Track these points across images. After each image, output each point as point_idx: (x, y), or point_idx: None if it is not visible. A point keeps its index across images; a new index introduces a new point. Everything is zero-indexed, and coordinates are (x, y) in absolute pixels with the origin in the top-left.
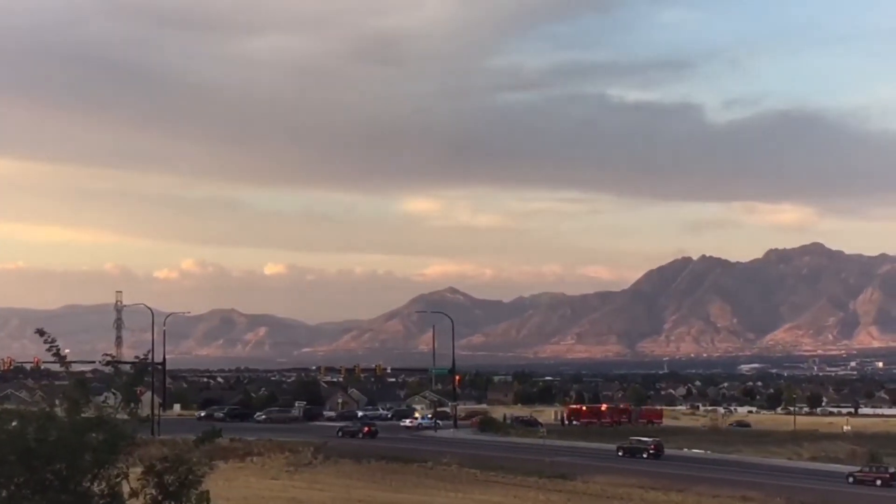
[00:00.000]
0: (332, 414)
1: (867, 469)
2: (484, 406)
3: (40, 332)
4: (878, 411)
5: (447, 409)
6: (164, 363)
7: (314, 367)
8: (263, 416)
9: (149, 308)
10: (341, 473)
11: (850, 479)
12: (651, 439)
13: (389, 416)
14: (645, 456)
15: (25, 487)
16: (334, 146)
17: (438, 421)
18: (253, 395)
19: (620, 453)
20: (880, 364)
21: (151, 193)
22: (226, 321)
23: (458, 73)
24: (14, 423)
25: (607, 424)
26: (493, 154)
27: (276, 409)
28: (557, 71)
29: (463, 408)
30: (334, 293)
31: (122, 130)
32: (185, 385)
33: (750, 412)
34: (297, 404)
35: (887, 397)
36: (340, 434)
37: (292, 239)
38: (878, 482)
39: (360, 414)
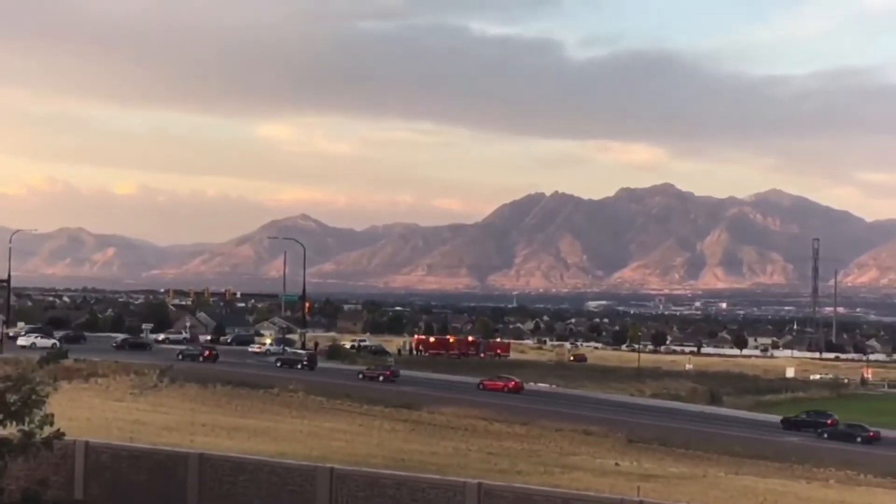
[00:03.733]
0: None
1: (373, 367)
2: (333, 334)
3: None
4: (720, 351)
5: (293, 337)
6: (8, 280)
7: (162, 290)
8: None
9: None
10: (186, 397)
11: (360, 377)
12: (306, 352)
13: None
14: (300, 367)
15: None
16: (189, 67)
17: (287, 347)
18: (100, 315)
19: (279, 364)
20: (724, 305)
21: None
22: (74, 240)
23: None
24: None
25: (455, 356)
26: (350, 82)
27: None
28: (419, 1)
29: (312, 335)
30: (185, 215)
31: None
32: (30, 303)
33: (595, 348)
34: (143, 326)
35: (729, 337)
36: (181, 357)
37: (144, 159)
38: (381, 378)
39: (158, 337)
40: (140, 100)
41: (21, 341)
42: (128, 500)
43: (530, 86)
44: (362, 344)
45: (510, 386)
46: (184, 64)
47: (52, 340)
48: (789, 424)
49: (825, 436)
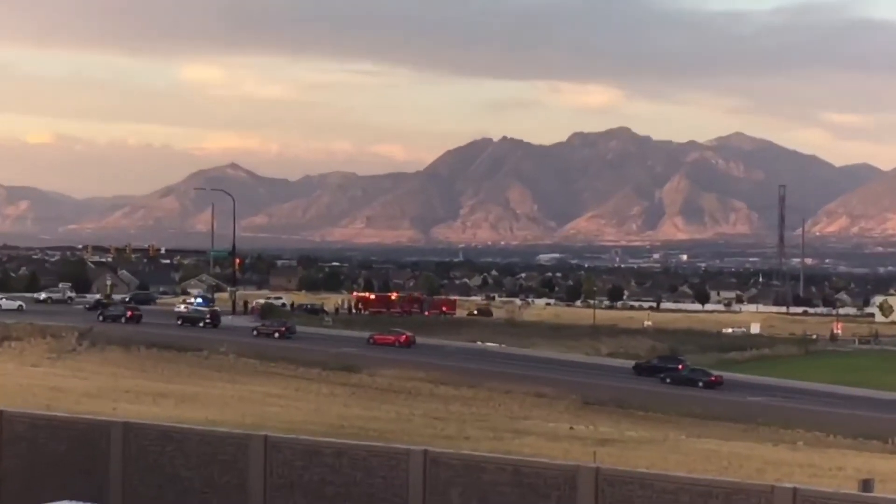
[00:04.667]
0: None
1: (267, 323)
2: (265, 292)
3: None
4: (681, 306)
5: (224, 295)
6: None
7: (80, 246)
8: None
9: None
10: (108, 361)
11: (255, 333)
12: (209, 309)
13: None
14: (202, 325)
15: None
16: (108, 3)
17: (196, 306)
18: (13, 274)
19: (180, 322)
20: (684, 257)
21: None
22: None
23: None
24: None
25: (397, 314)
26: (281, 20)
27: None
28: None
29: (243, 293)
30: (105, 166)
31: None
32: None
33: (548, 304)
34: (61, 286)
35: (691, 292)
36: (101, 318)
37: (59, 105)
38: (276, 335)
39: None
40: (54, 40)
41: None
42: (46, 471)
43: (476, 24)
44: (279, 301)
45: (401, 340)
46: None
47: (18, 303)
48: (641, 370)
49: (668, 381)
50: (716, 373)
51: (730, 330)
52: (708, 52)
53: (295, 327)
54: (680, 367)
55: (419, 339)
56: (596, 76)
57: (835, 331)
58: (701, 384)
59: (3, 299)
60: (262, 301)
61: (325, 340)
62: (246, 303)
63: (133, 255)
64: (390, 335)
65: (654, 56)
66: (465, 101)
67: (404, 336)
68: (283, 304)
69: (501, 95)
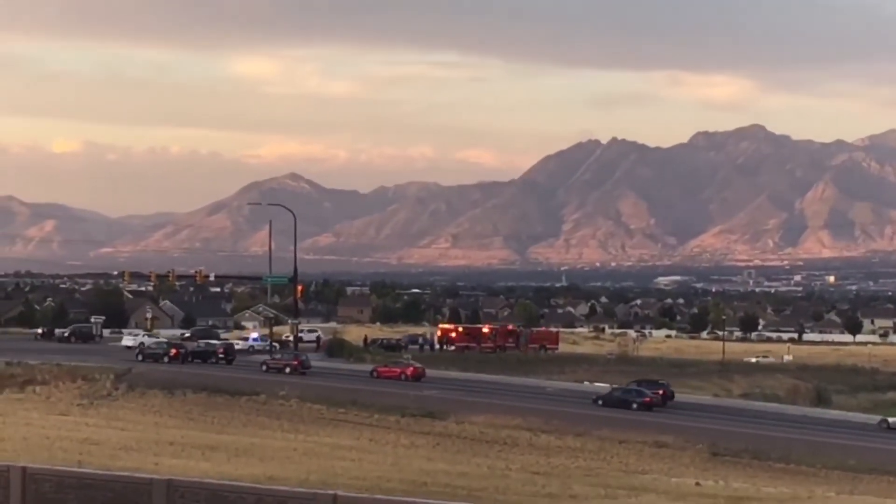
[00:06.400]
0: None
1: (277, 357)
2: (333, 325)
3: None
4: (827, 337)
5: (280, 329)
6: None
7: (116, 273)
8: None
9: None
10: (149, 408)
11: (264, 368)
12: (221, 342)
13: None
14: (213, 361)
15: None
16: None
17: (275, 343)
18: (37, 306)
19: (191, 359)
20: (831, 279)
21: None
22: (2, 211)
23: None
24: None
25: (489, 350)
26: (348, 4)
27: None
28: None
29: (307, 327)
30: (143, 178)
31: None
32: None
33: (668, 336)
34: (93, 319)
35: (839, 320)
36: (140, 357)
37: (89, 107)
38: (287, 370)
39: None
40: (83, 33)
41: (126, 341)
42: None
43: (580, 5)
44: (314, 334)
45: (408, 373)
46: None
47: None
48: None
49: (600, 403)
50: (651, 393)
51: (753, 359)
52: (857, 33)
53: (309, 361)
54: (662, 392)
55: (516, 380)
56: (724, 65)
57: None
58: (635, 406)
59: (127, 336)
60: (304, 333)
61: (339, 376)
62: (318, 338)
63: (177, 283)
64: (396, 367)
65: (792, 40)
66: (568, 97)
67: (411, 368)
68: (318, 338)
69: (611, 89)
